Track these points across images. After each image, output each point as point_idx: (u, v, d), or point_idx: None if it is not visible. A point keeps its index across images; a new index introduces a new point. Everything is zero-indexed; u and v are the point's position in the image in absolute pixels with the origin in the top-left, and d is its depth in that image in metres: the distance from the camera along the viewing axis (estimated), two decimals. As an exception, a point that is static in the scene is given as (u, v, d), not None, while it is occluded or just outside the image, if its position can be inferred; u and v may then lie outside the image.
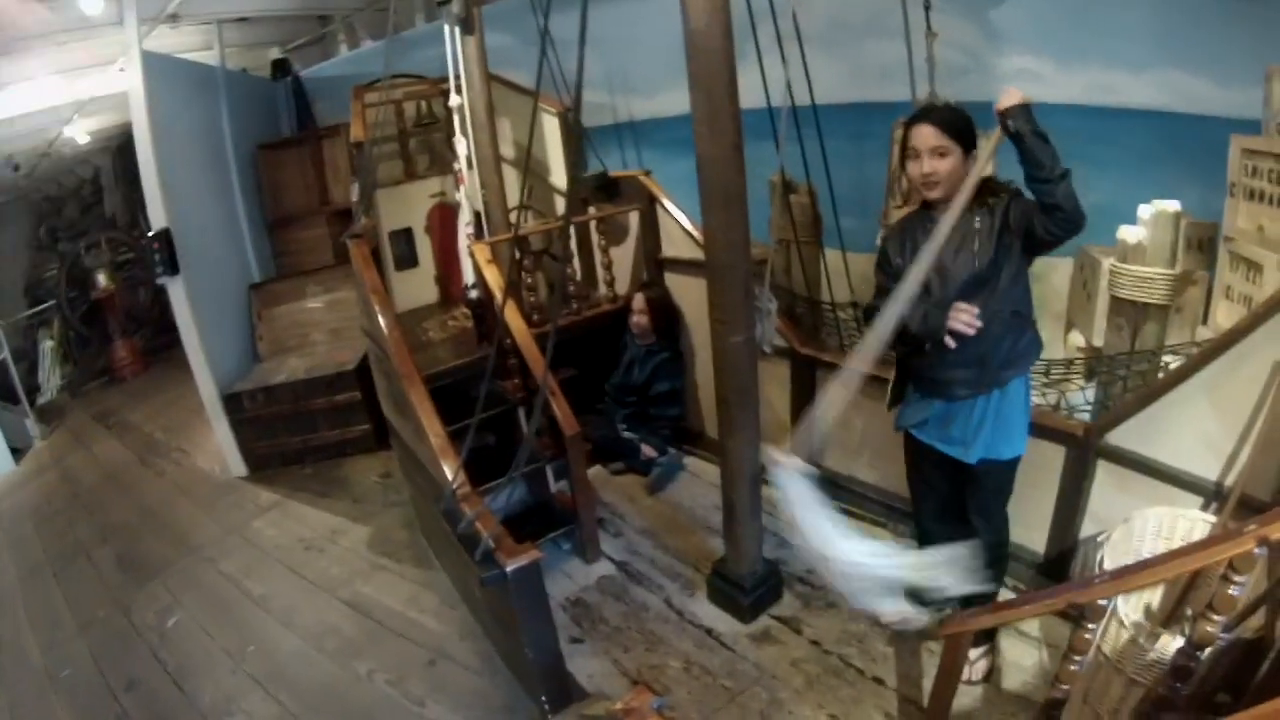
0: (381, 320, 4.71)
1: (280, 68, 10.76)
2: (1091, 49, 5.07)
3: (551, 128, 6.63)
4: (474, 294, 5.63)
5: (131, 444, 9.20)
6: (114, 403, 10.95)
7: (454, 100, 5.46)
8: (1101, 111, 5.02)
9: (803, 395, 5.26)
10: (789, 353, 5.26)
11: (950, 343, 3.04)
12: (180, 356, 7.78)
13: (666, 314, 5.84)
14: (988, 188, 3.11)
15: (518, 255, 5.50)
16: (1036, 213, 2.93)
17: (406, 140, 7.12)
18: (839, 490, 5.03)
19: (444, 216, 6.95)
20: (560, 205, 6.81)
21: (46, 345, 11.94)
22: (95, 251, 11.81)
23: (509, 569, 3.49)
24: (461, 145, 5.48)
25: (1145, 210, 3.91)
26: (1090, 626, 2.61)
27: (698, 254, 5.49)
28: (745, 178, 3.61)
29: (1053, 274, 4.86)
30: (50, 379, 11.84)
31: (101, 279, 11.66)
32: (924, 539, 3.89)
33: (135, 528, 7.06)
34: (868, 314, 3.42)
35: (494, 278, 5.18)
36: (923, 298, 3.15)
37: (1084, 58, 5.09)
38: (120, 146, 12.14)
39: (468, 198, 5.59)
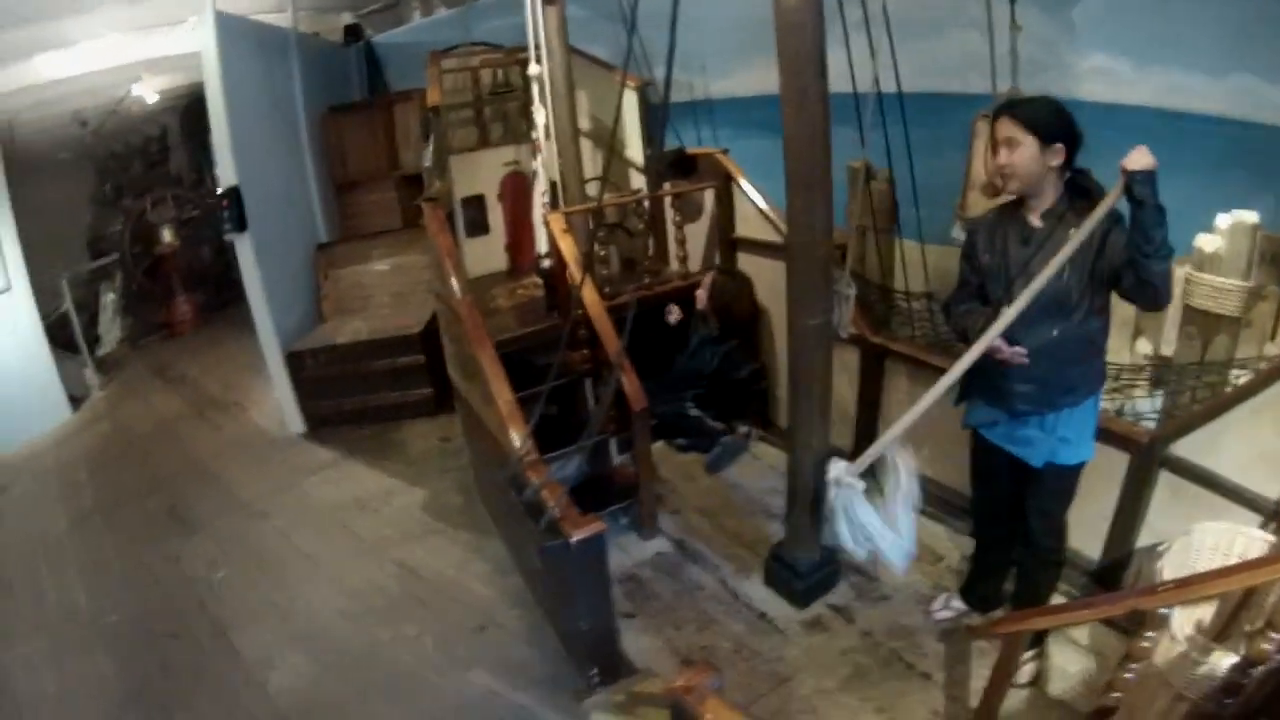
0: (454, 284, 4.72)
1: (352, 33, 10.89)
2: (1169, 51, 5.03)
3: (629, 103, 6.55)
4: (546, 263, 5.65)
5: (188, 397, 9.32)
6: (172, 357, 11.09)
7: (533, 69, 5.47)
8: (1177, 115, 4.99)
9: (871, 384, 5.25)
10: (859, 341, 5.17)
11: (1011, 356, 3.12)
12: (238, 314, 7.92)
13: (724, 300, 5.72)
14: (1090, 197, 3.04)
15: (593, 227, 5.49)
16: (1127, 271, 2.90)
17: (481, 108, 7.14)
18: None
19: (516, 185, 6.97)
20: (635, 180, 6.79)
21: (108, 298, 11.95)
22: (160, 208, 11.94)
23: (573, 540, 3.51)
24: (540, 115, 5.50)
25: (1223, 219, 3.85)
26: (1149, 635, 2.63)
27: (771, 235, 5.56)
28: (831, 161, 3.60)
29: None
30: (110, 331, 11.86)
31: (166, 235, 11.83)
32: (981, 536, 3.99)
33: (188, 479, 7.17)
34: (946, 308, 3.59)
35: (569, 249, 5.16)
36: (1003, 299, 3.19)
37: (1161, 59, 5.06)
38: (188, 106, 12.21)
39: (544, 167, 5.61)
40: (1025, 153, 3.01)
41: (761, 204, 5.71)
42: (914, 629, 4.11)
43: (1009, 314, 3.03)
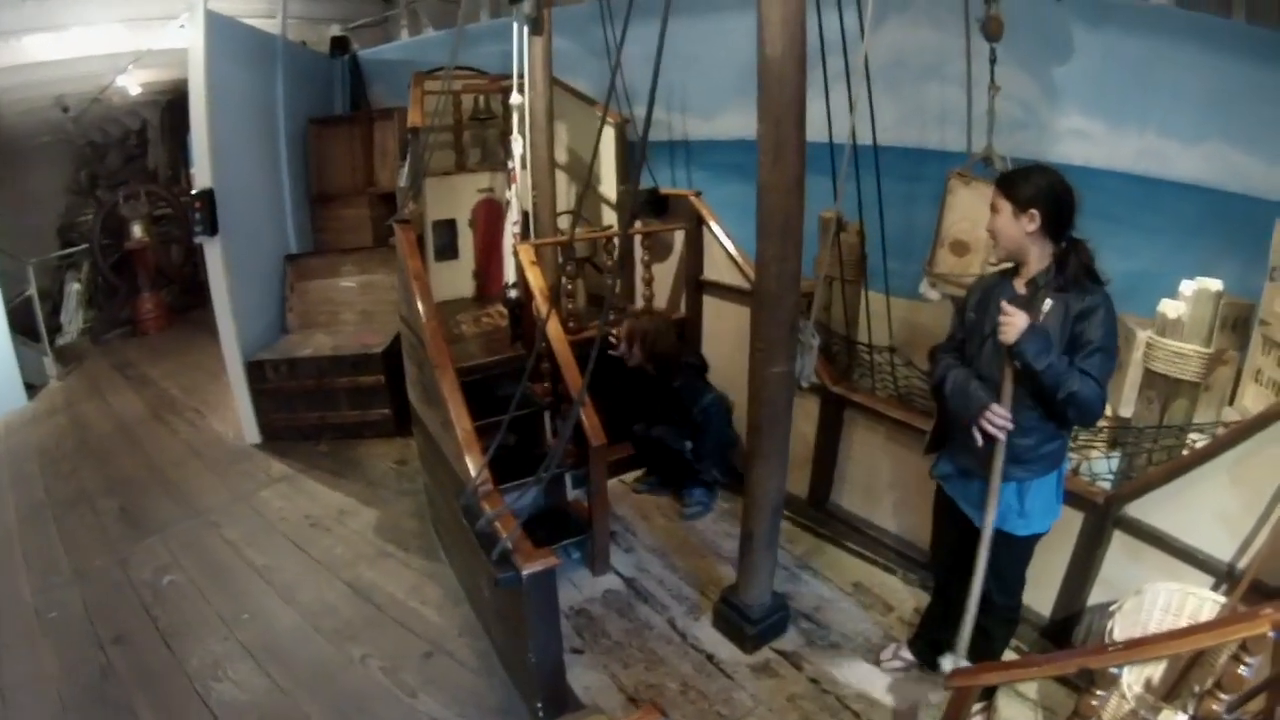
0: (420, 307, 4.72)
1: (339, 45, 10.87)
2: (1145, 116, 5.19)
3: (607, 138, 6.63)
4: (513, 293, 5.68)
5: (148, 398, 9.22)
6: (134, 354, 10.96)
7: (515, 99, 5.51)
8: (1150, 180, 5.17)
9: (829, 432, 5.32)
10: (820, 390, 5.24)
11: (977, 436, 3.19)
12: (204, 318, 7.86)
13: (649, 341, 5.68)
14: (1080, 277, 3.10)
15: (561, 261, 5.55)
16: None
17: (461, 132, 7.19)
18: (853, 532, 5.22)
19: (489, 212, 7.01)
20: (607, 216, 6.86)
21: (73, 288, 11.96)
22: (134, 202, 11.75)
23: (525, 573, 3.52)
24: (518, 144, 5.54)
25: (1188, 286, 3.83)
26: (1099, 693, 2.66)
27: (739, 280, 5.62)
28: (804, 211, 3.65)
29: None
30: (73, 321, 11.86)
31: (137, 230, 11.62)
32: (939, 588, 4.01)
33: (142, 482, 7.09)
34: (932, 354, 3.61)
35: (536, 280, 5.21)
36: (975, 360, 3.31)
37: (1137, 123, 5.21)
38: (171, 102, 12.19)
39: (518, 197, 5.64)
40: (1002, 219, 3.13)
41: (731, 249, 5.77)
42: (862, 678, 4.16)
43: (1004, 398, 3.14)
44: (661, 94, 6.65)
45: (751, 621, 4.34)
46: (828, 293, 5.84)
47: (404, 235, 5.21)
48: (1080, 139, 5.42)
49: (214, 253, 7.11)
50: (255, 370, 7.41)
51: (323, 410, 7.54)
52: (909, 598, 4.73)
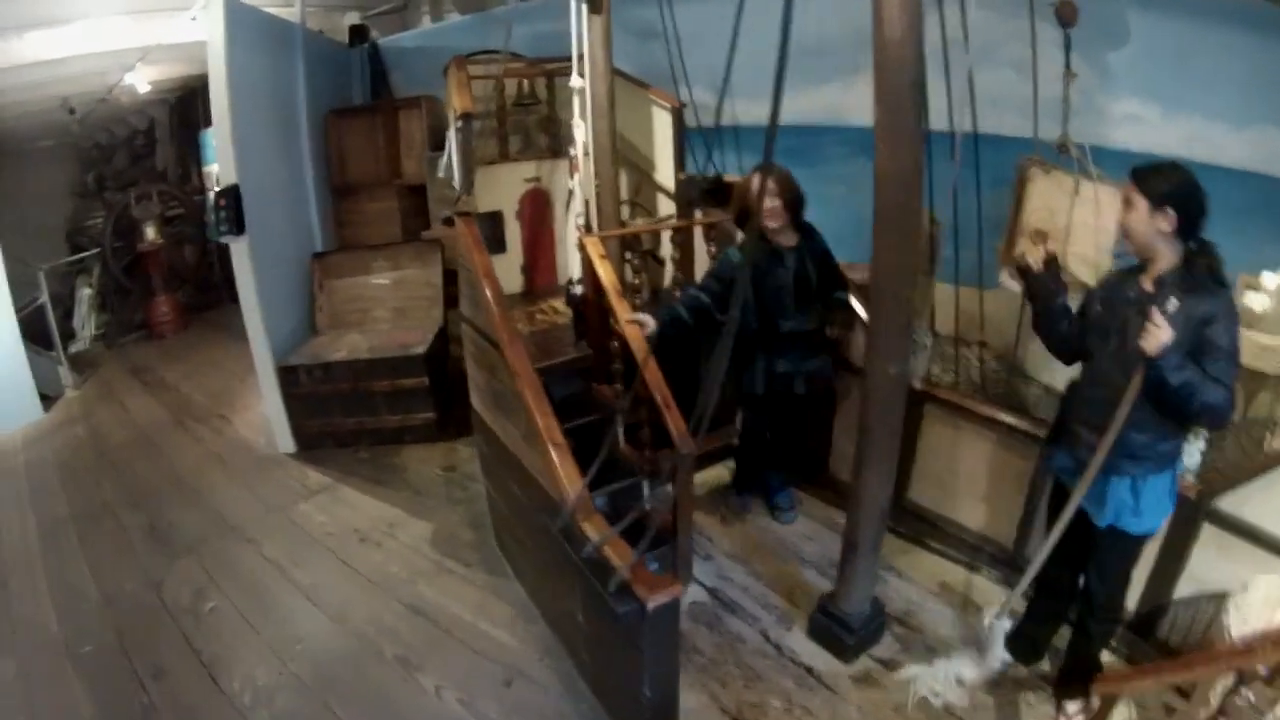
0: (494, 309, 4.26)
1: (357, 34, 10.29)
2: (1195, 100, 5.10)
3: (663, 123, 6.15)
4: (577, 290, 5.18)
5: (168, 403, 8.74)
6: (150, 358, 10.48)
7: (575, 82, 5.03)
8: (1200, 166, 4.67)
9: (906, 428, 4.66)
10: None
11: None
12: (219, 318, 7.42)
13: (795, 194, 4.65)
14: (1206, 279, 3.01)
15: (629, 255, 5.08)
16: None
17: (504, 119, 6.63)
18: (932, 530, 5.01)
19: (536, 203, 6.49)
20: (663, 205, 6.36)
21: (84, 293, 11.54)
22: (146, 203, 11.35)
23: (649, 605, 3.13)
24: (580, 130, 5.07)
25: (1270, 279, 3.88)
26: (1245, 692, 2.62)
27: None
28: (921, 201, 3.47)
29: None
30: (85, 327, 11.44)
31: (149, 232, 11.23)
32: (1044, 585, 3.83)
33: (168, 495, 6.61)
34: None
35: (607, 276, 4.70)
36: (1096, 356, 3.30)
37: (1188, 108, 5.12)
38: (180, 99, 11.89)
39: (580, 186, 5.15)
40: (1136, 214, 3.03)
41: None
42: (962, 682, 3.90)
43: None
44: (708, 76, 6.21)
45: (851, 631, 4.09)
46: None
47: (467, 229, 4.74)
48: (1135, 123, 5.24)
49: (241, 253, 6.64)
50: (288, 375, 6.90)
51: (360, 415, 7.04)
52: (995, 596, 4.43)
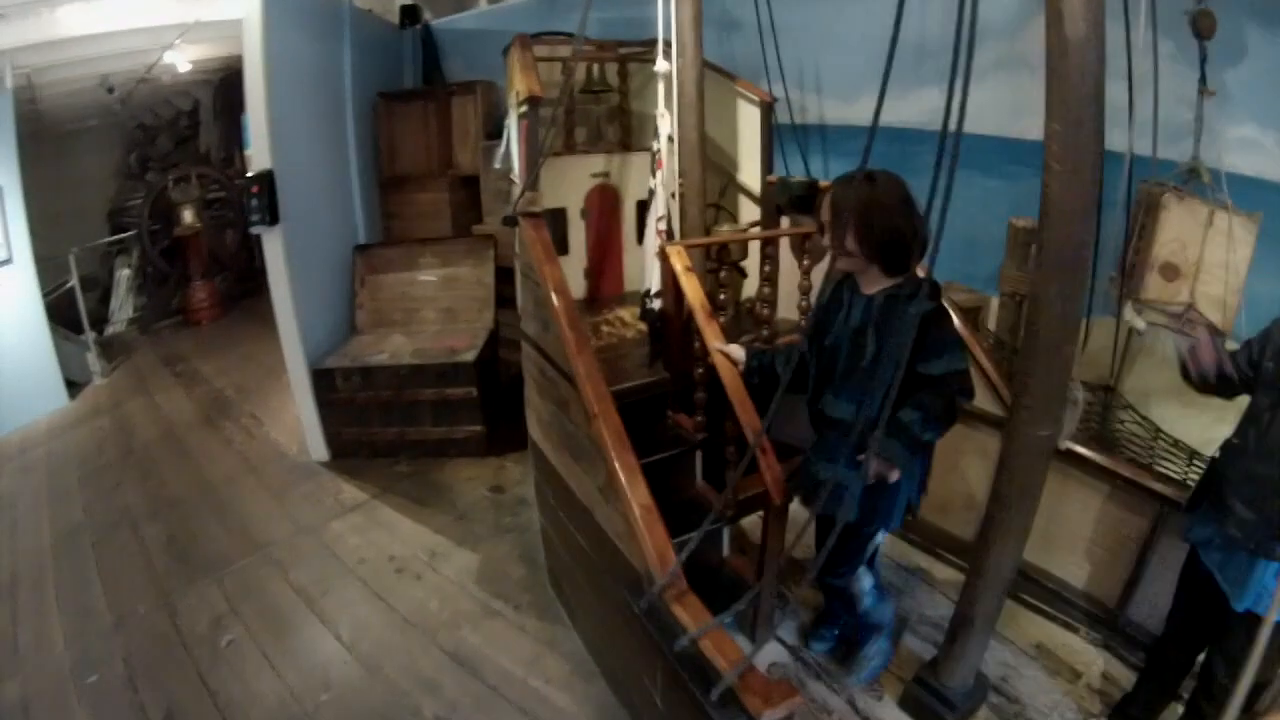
0: (569, 336, 3.57)
1: (409, 14, 9.61)
2: None
3: (751, 120, 5.44)
4: (656, 304, 4.45)
5: (199, 398, 8.13)
6: (184, 347, 9.89)
7: (661, 66, 4.37)
8: None
9: None
10: (1005, 423, 4.16)
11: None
12: (259, 307, 6.80)
13: (882, 223, 3.00)
14: None
15: (716, 266, 4.42)
16: None
17: (572, 108, 5.93)
18: (1027, 583, 4.42)
19: (605, 201, 5.77)
20: (746, 210, 5.66)
21: (123, 274, 11.03)
22: (184, 186, 10.79)
23: None
24: (665, 122, 4.40)
25: None
26: None
27: None
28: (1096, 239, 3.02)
29: None
30: (122, 308, 10.94)
31: (187, 215, 10.64)
32: (1160, 662, 3.50)
33: (192, 504, 6.00)
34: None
35: (694, 291, 3.95)
36: (1268, 416, 2.87)
37: None
38: (224, 80, 11.37)
39: (663, 186, 4.45)
40: None
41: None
42: None
43: None
44: (795, 73, 5.47)
45: (953, 708, 3.54)
46: (1016, 313, 5.14)
47: (535, 233, 4.04)
48: (1251, 149, 4.69)
49: (274, 244, 6.00)
50: (323, 379, 6.25)
51: (402, 425, 6.37)
52: (1095, 660, 3.97)
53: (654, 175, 4.45)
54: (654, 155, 4.44)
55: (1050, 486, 3.92)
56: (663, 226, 4.46)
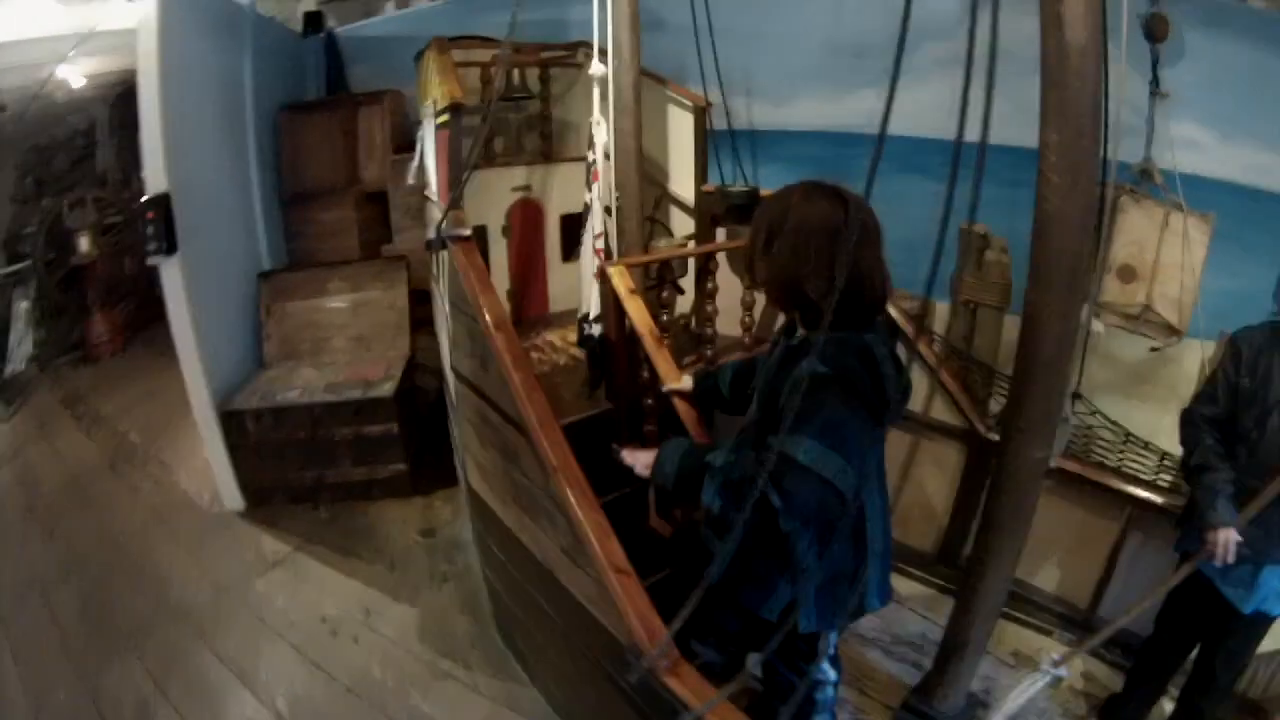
0: (519, 385, 3.09)
1: (312, 22, 8.98)
2: (1255, 127, 4.79)
3: (682, 125, 5.08)
4: (595, 329, 4.00)
5: (102, 442, 7.41)
6: (85, 385, 9.14)
7: (596, 69, 3.93)
8: (1258, 194, 4.79)
9: (971, 482, 4.50)
10: (966, 434, 4.44)
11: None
12: (162, 337, 6.12)
13: (783, 257, 2.36)
14: None
15: (658, 284, 3.96)
16: None
17: (489, 116, 5.36)
18: None
19: (527, 217, 5.32)
20: (678, 222, 5.32)
21: (21, 307, 10.06)
22: (79, 211, 9.98)
23: None
24: (601, 131, 3.96)
25: None
26: None
27: None
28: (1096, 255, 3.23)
29: (1184, 355, 4.66)
30: (22, 345, 9.97)
31: (84, 243, 9.84)
32: (1152, 663, 3.58)
33: (104, 565, 5.38)
34: (1187, 418, 3.20)
35: (642, 315, 3.54)
36: (1252, 437, 2.96)
37: (1248, 134, 4.82)
38: (121, 95, 10.35)
39: (600, 200, 4.02)
40: None
41: None
42: None
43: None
44: (723, 73, 5.17)
45: None
46: (971, 320, 5.14)
47: (466, 259, 3.58)
48: (1190, 148, 4.80)
49: (173, 276, 5.42)
50: (232, 421, 5.67)
51: (320, 467, 5.82)
52: (1074, 662, 3.94)
53: (589, 188, 4.00)
54: (589, 167, 3.99)
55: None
56: (600, 245, 4.00)
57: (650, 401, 3.59)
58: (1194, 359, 5.00)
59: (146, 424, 7.56)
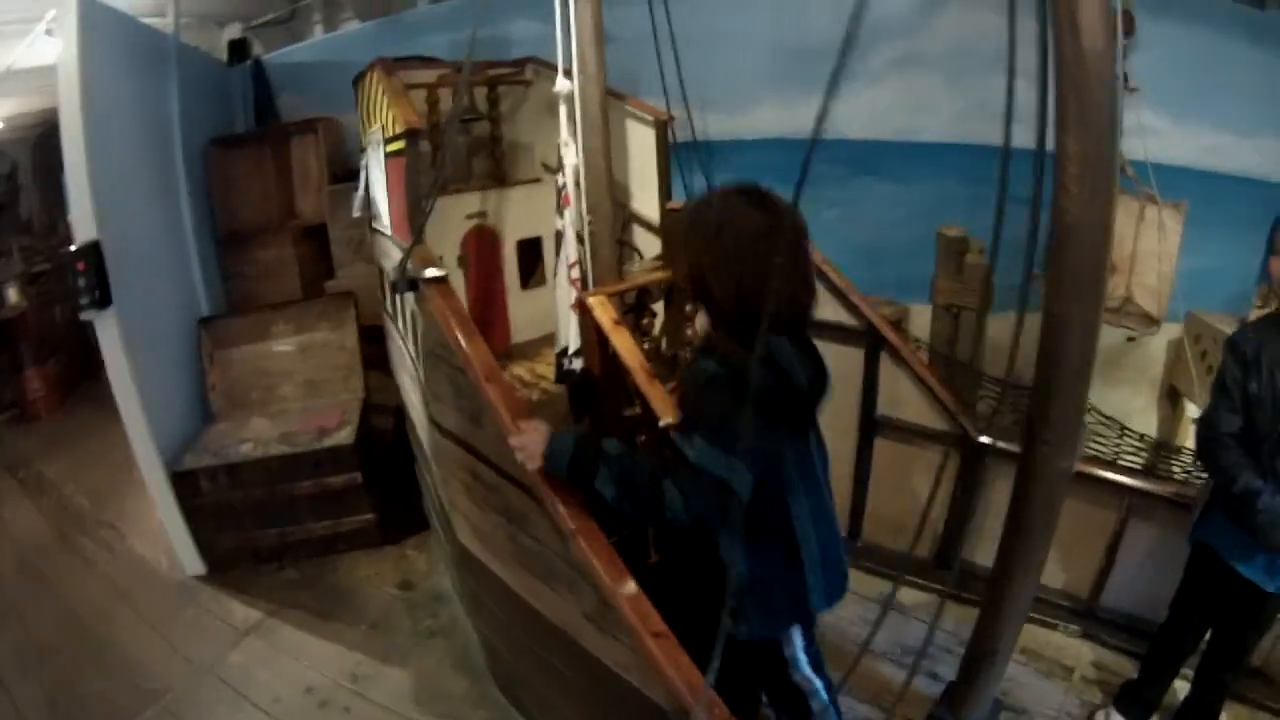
0: (515, 446, 2.63)
1: (237, 50, 8.54)
2: (1206, 109, 5.04)
3: (643, 141, 4.78)
4: (577, 364, 3.75)
5: (49, 512, 6.89)
6: (26, 447, 8.54)
7: (562, 85, 3.71)
8: (1212, 176, 5.01)
9: (964, 485, 4.36)
10: (956, 438, 4.30)
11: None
12: (101, 391, 5.66)
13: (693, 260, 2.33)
14: None
15: (636, 311, 3.72)
16: None
17: (438, 141, 5.05)
18: None
19: (483, 244, 5.00)
20: (645, 243, 5.00)
21: None
22: (4, 260, 9.42)
23: None
24: (570, 152, 3.74)
25: None
26: None
27: (845, 317, 4.49)
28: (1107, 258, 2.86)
29: (1152, 339, 4.78)
30: None
31: (11, 295, 9.25)
32: (1170, 646, 3.57)
33: (66, 651, 4.89)
34: (1207, 424, 3.09)
35: (629, 349, 3.26)
36: (1270, 436, 2.92)
37: (1199, 118, 5.05)
38: (41, 136, 9.87)
39: (573, 226, 3.77)
40: None
41: (835, 278, 4.41)
42: None
43: None
44: (674, 82, 4.80)
45: None
46: (954, 325, 5.16)
47: (445, 302, 3.20)
48: (1146, 134, 4.84)
49: (109, 329, 4.96)
50: (185, 482, 5.23)
51: (281, 524, 5.38)
52: (1081, 651, 4.11)
53: (560, 214, 3.73)
54: (559, 191, 3.71)
55: (987, 484, 4.26)
56: (576, 274, 3.70)
57: (643, 438, 3.32)
58: (1160, 342, 5.00)
59: (94, 487, 7.05)
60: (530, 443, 2.38)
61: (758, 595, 2.44)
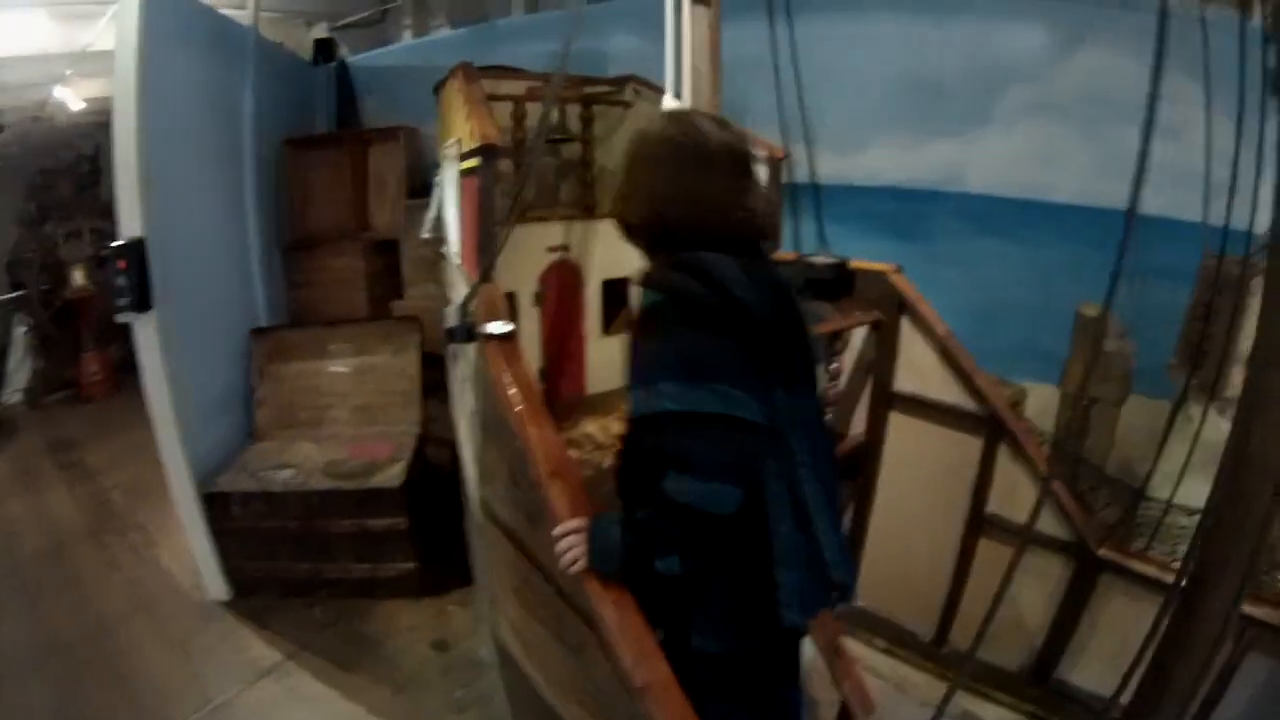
0: (556, 552, 2.10)
1: (323, 50, 8.11)
2: None
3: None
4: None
5: (85, 501, 6.52)
6: (75, 429, 8.25)
7: (669, 102, 3.27)
8: None
9: (1072, 598, 3.79)
10: (1074, 548, 3.69)
11: None
12: None
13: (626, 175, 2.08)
14: None
15: None
16: None
17: (522, 160, 4.34)
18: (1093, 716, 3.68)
19: (564, 281, 4.30)
20: None
21: (19, 331, 9.27)
22: (75, 242, 9.18)
23: None
24: None
25: None
26: None
27: (956, 396, 3.97)
28: None
29: None
30: (19, 371, 9.19)
31: (77, 276, 9.03)
32: None
33: (82, 654, 4.47)
34: None
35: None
36: None
37: None
38: None
39: None
40: None
41: (962, 359, 3.88)
42: None
43: None
44: (776, 117, 4.37)
45: None
46: (1085, 416, 4.60)
47: (509, 367, 2.63)
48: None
49: (147, 336, 4.45)
50: (216, 504, 4.71)
51: (316, 560, 4.81)
52: None
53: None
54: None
55: (1125, 616, 3.55)
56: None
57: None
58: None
59: (131, 483, 6.65)
60: (572, 550, 1.97)
61: (714, 604, 1.99)
